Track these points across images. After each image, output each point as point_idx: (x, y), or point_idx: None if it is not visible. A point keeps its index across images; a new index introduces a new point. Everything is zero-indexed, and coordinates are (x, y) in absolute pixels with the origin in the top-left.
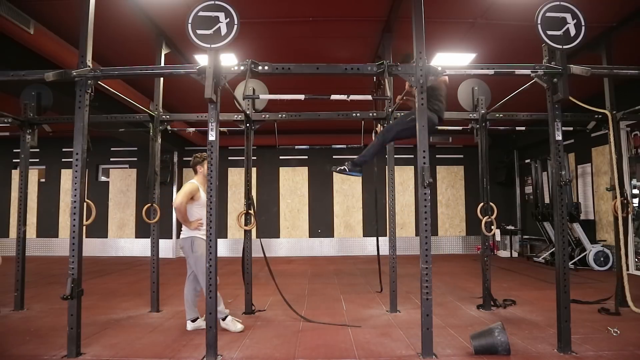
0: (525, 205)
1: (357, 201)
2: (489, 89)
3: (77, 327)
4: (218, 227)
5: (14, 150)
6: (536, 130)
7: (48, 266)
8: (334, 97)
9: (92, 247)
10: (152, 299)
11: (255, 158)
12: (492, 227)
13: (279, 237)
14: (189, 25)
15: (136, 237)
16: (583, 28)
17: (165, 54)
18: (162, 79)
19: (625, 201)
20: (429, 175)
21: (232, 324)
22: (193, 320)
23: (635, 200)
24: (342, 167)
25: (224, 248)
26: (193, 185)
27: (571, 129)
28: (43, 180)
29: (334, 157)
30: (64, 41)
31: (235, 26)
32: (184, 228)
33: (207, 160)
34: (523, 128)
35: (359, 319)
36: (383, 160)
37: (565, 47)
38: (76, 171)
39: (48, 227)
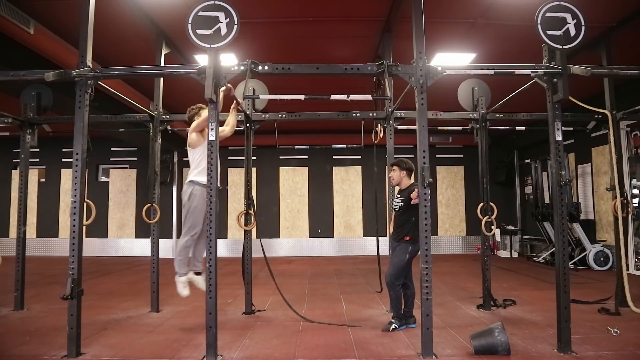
0: (525, 205)
1: (357, 201)
2: (489, 89)
3: (77, 327)
4: (218, 227)
5: (14, 150)
6: (536, 130)
7: (48, 266)
8: (334, 97)
9: (92, 247)
10: (152, 299)
11: (255, 158)
12: (492, 227)
13: (279, 237)
14: (189, 25)
15: (136, 237)
16: (583, 28)
17: (165, 54)
18: (162, 79)
19: (625, 201)
20: (429, 175)
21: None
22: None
23: (635, 200)
24: (393, 327)
25: (224, 248)
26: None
27: (571, 129)
28: (43, 180)
29: (334, 157)
30: (64, 41)
31: (235, 26)
32: (194, 172)
33: (204, 109)
34: (523, 128)
35: (359, 319)
36: (383, 160)
37: (565, 47)
38: (76, 171)
39: (48, 227)
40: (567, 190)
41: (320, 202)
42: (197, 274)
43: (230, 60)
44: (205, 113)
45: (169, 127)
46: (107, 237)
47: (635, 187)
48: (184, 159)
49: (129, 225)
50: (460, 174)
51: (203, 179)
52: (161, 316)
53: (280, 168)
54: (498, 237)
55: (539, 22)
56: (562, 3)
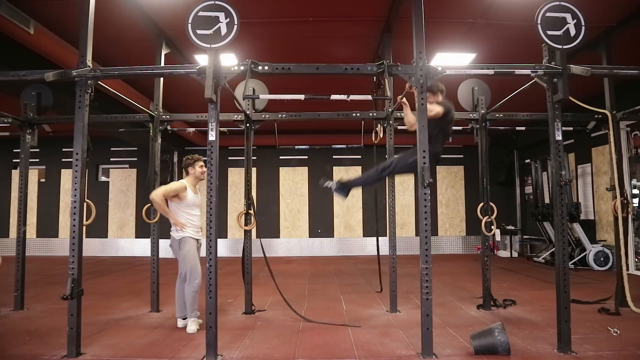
0: (525, 205)
1: (357, 201)
2: (489, 89)
3: (77, 327)
4: (218, 227)
5: (14, 150)
6: (536, 130)
7: (48, 266)
8: (334, 97)
9: (92, 247)
10: (152, 299)
11: (255, 158)
12: (492, 227)
13: (279, 237)
14: (189, 25)
15: (136, 237)
16: (583, 28)
17: (165, 54)
18: (162, 79)
19: (625, 201)
20: (429, 175)
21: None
22: (183, 318)
23: (635, 200)
24: (328, 183)
25: (224, 248)
26: (181, 184)
27: (571, 129)
28: (43, 180)
29: (334, 157)
30: (64, 41)
31: (235, 26)
32: (173, 227)
33: (199, 161)
34: (523, 128)
35: (359, 319)
36: (383, 160)
37: (565, 47)
38: (76, 171)
39: (48, 227)
40: (567, 190)
41: (320, 202)
42: (184, 318)
43: (230, 60)
44: (198, 167)
45: (169, 127)
46: (107, 237)
47: (635, 187)
48: (184, 158)
49: (129, 225)
50: (460, 174)
51: (187, 232)
52: (161, 316)
53: (280, 168)
54: (498, 237)
55: (539, 22)
56: (562, 3)
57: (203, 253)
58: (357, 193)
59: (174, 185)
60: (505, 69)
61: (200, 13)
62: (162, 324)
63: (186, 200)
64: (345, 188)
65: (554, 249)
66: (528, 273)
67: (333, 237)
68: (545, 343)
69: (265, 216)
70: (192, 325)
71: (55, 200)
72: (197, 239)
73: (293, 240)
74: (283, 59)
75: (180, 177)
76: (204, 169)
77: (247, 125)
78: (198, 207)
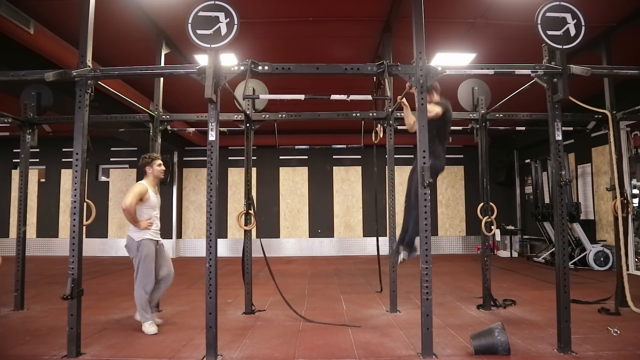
0: (525, 205)
1: (357, 201)
2: (489, 89)
3: (77, 327)
4: (218, 227)
5: (14, 150)
6: (536, 130)
7: (48, 266)
8: (334, 97)
9: (92, 247)
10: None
11: (255, 158)
12: (492, 227)
13: (279, 237)
14: (189, 25)
15: None
16: (583, 28)
17: (165, 54)
18: (162, 79)
19: (625, 201)
20: (429, 175)
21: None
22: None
23: (635, 200)
24: (402, 258)
25: (224, 248)
26: (142, 187)
27: (571, 129)
28: (43, 180)
29: (334, 157)
30: (64, 41)
31: (235, 26)
32: (131, 228)
33: (157, 159)
34: (523, 128)
35: (359, 319)
36: (383, 160)
37: (565, 47)
38: (76, 171)
39: (48, 227)
40: (567, 190)
41: (320, 202)
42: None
43: (230, 60)
44: (156, 166)
45: (169, 127)
46: (107, 237)
47: (635, 187)
48: (184, 159)
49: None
50: (460, 174)
51: (148, 234)
52: (161, 316)
53: (280, 168)
54: (498, 237)
55: (539, 22)
56: (562, 3)
57: (174, 253)
58: (357, 193)
59: (137, 188)
60: (505, 69)
61: (200, 13)
62: (162, 324)
63: (148, 202)
64: (412, 245)
65: (554, 249)
66: (528, 273)
67: (333, 237)
68: (545, 343)
69: (265, 216)
70: (150, 327)
71: (55, 200)
72: (157, 240)
73: (293, 240)
74: (283, 59)
75: (179, 177)
76: (162, 167)
77: (247, 125)
78: (158, 208)
